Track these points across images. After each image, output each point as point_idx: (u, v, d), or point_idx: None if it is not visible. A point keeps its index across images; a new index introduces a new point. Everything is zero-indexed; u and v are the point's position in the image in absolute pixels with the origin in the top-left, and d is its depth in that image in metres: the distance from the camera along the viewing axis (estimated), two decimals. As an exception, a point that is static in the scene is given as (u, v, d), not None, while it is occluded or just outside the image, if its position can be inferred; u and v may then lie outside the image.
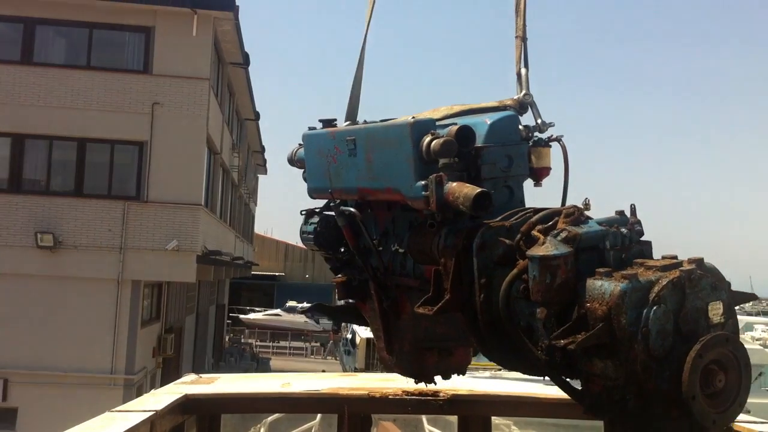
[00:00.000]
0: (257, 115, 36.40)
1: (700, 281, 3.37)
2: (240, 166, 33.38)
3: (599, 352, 3.35)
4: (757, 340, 48.66)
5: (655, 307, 3.24)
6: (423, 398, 4.36)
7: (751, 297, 3.78)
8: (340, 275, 4.98)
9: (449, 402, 4.36)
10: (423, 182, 3.95)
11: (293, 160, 5.18)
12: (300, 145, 4.99)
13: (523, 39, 4.56)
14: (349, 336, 39.97)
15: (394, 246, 4.53)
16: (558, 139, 4.37)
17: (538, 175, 4.38)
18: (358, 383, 4.73)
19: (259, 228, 64.08)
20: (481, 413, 4.66)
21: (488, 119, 4.23)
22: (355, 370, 30.61)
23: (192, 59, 22.02)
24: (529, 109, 4.40)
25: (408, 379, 5.13)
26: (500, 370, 34.16)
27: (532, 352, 3.61)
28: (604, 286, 3.33)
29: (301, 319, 57.06)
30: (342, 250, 4.91)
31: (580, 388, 3.60)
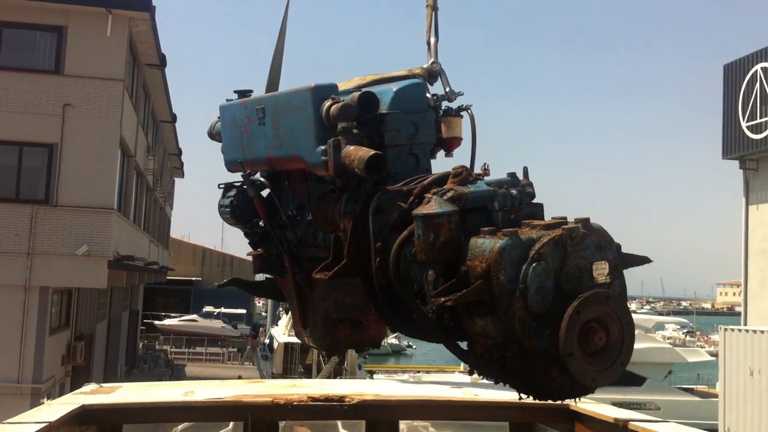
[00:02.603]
0: (174, 118, 35.74)
1: (584, 240, 3.30)
2: (155, 169, 32.74)
3: (480, 310, 3.31)
4: (668, 339, 50.40)
5: (534, 264, 3.19)
6: (329, 404, 4.29)
7: (643, 260, 3.71)
8: (258, 249, 4.84)
9: (355, 407, 4.29)
10: (323, 147, 3.92)
11: (212, 134, 5.09)
12: (218, 118, 4.92)
13: (434, 8, 4.52)
14: (267, 341, 39.62)
15: (309, 216, 4.46)
16: (467, 109, 4.32)
17: (449, 145, 4.34)
18: (263, 390, 4.67)
19: (176, 232, 62.93)
20: (387, 418, 4.62)
21: (394, 86, 4.18)
22: (273, 375, 30.37)
23: (106, 60, 21.48)
24: (439, 77, 4.35)
25: (314, 384, 5.10)
26: (419, 372, 34.39)
27: (424, 316, 3.56)
28: (485, 244, 3.29)
29: (218, 324, 56.21)
30: (260, 223, 4.81)
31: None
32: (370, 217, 3.77)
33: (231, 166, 4.77)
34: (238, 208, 4.74)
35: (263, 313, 68.33)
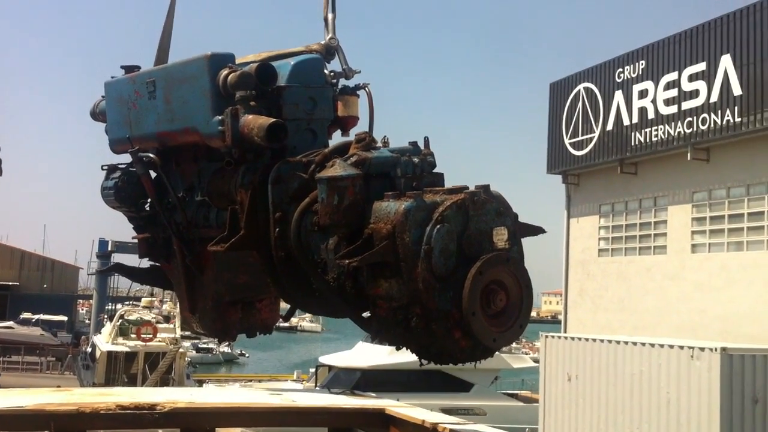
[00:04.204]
0: (-10, 110, 33.46)
1: (485, 205, 3.47)
2: (-33, 164, 30.47)
3: (384, 273, 3.39)
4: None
5: (438, 226, 3.31)
6: (138, 412, 4.18)
7: (538, 230, 3.87)
8: (144, 234, 4.73)
9: (167, 415, 4.27)
10: (220, 117, 3.89)
11: (95, 114, 4.92)
12: (103, 97, 4.75)
13: None
14: (89, 350, 37.81)
15: (198, 197, 4.44)
16: (364, 87, 4.41)
17: (346, 124, 4.40)
18: (70, 398, 4.51)
19: (-9, 233, 58.94)
20: (202, 425, 4.54)
21: (292, 60, 4.22)
22: (94, 385, 29.06)
23: None
24: (336, 54, 4.45)
25: (125, 392, 4.90)
26: (251, 381, 33.82)
27: (325, 286, 3.61)
28: (389, 206, 3.40)
29: (36, 332, 53.38)
30: (146, 207, 4.73)
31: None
32: (269, 187, 3.74)
33: (116, 146, 4.58)
34: (122, 189, 4.58)
35: (86, 321, 65.42)
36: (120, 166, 4.70)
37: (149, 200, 4.64)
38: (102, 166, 4.74)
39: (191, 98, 4.03)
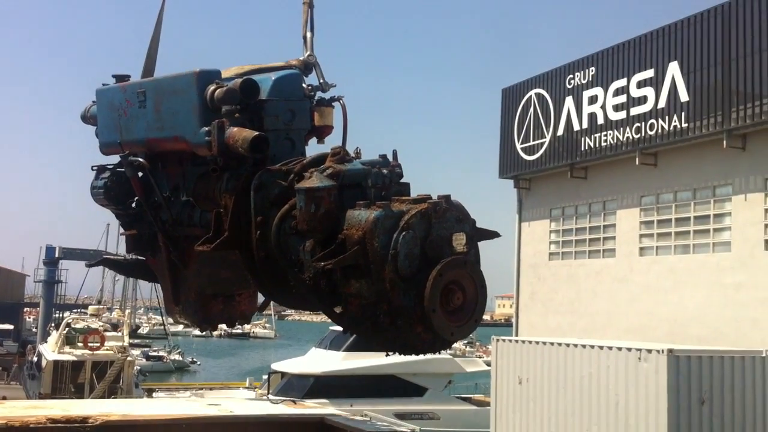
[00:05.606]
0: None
1: (446, 213, 3.79)
2: None
3: (355, 274, 3.70)
4: (449, 349, 52.68)
5: (404, 233, 3.63)
6: (70, 425, 4.19)
7: (494, 234, 4.22)
8: (132, 230, 5.12)
9: (100, 429, 4.19)
10: (207, 128, 4.22)
11: (86, 117, 5.26)
12: (94, 102, 5.12)
13: (310, 5, 4.94)
14: (35, 359, 36.97)
15: (183, 197, 4.77)
16: (338, 99, 4.76)
17: (321, 133, 4.75)
18: None
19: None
20: None
21: (273, 75, 4.55)
22: (40, 395, 28.37)
23: None
24: (314, 69, 4.84)
25: (57, 405, 4.86)
26: (202, 389, 33.37)
27: (301, 284, 3.90)
28: (360, 215, 3.71)
29: (-19, 341, 51.96)
30: (133, 205, 5.08)
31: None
32: (252, 193, 4.03)
33: (106, 149, 4.93)
34: (112, 189, 4.93)
35: (33, 329, 63.98)
36: (108, 166, 5.03)
37: (136, 199, 4.96)
38: (92, 166, 5.04)
39: (180, 110, 4.35)
